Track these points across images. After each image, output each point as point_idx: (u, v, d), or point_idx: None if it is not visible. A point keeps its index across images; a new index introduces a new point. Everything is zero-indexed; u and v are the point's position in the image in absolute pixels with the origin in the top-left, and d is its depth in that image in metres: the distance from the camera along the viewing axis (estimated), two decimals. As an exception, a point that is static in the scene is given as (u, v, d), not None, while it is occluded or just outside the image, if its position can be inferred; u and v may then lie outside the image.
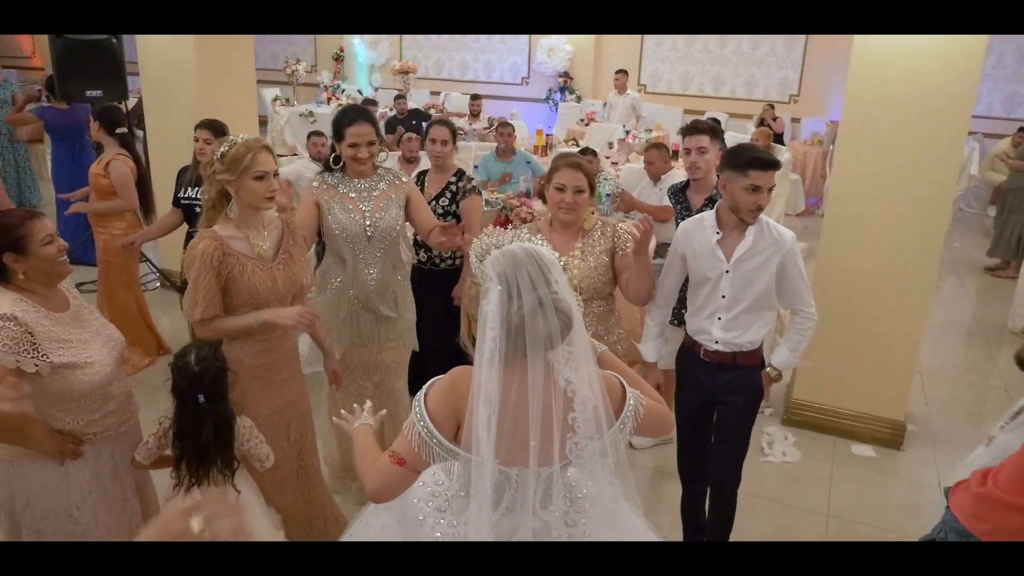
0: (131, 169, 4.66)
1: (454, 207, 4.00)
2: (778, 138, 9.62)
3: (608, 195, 5.21)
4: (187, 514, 1.37)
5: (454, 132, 4.16)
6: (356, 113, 3.13)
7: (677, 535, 3.25)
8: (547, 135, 8.83)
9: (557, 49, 12.48)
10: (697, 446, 3.06)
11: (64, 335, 2.26)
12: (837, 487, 3.89)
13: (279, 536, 2.60)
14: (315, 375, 3.25)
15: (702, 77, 12.03)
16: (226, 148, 2.51)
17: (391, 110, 9.95)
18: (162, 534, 1.38)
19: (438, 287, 4.02)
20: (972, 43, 3.65)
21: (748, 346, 2.83)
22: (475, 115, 10.04)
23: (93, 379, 2.28)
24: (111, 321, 2.57)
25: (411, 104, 10.39)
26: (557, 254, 1.73)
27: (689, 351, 2.94)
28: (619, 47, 12.32)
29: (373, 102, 9.99)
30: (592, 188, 2.88)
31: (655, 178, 5.18)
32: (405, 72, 12.14)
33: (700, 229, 2.84)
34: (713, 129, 3.70)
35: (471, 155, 7.90)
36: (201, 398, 2.32)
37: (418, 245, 4.05)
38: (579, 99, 12.31)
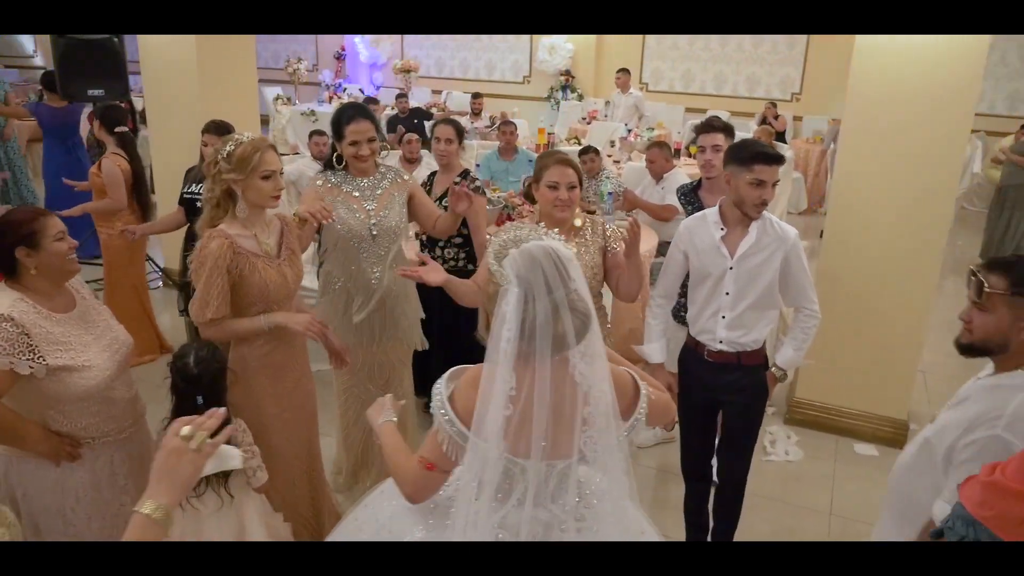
0: (123, 169, 4.65)
1: None
2: (780, 136, 9.61)
3: (610, 194, 5.21)
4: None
5: (459, 131, 4.12)
6: (355, 111, 3.12)
7: (680, 534, 3.25)
8: (549, 133, 8.82)
9: (558, 48, 12.48)
10: (700, 446, 3.06)
11: (63, 337, 2.23)
12: (840, 486, 3.88)
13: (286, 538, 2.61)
14: (320, 374, 3.25)
15: (704, 75, 12.02)
16: (231, 147, 2.49)
17: (393, 109, 9.95)
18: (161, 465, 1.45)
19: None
20: (975, 40, 3.65)
21: (752, 345, 2.82)
22: (476, 114, 10.04)
23: (90, 382, 2.25)
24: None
25: (412, 103, 10.39)
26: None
27: (692, 352, 2.93)
28: (620, 45, 12.30)
29: (375, 100, 10.00)
30: (582, 183, 2.86)
31: (657, 177, 5.18)
32: (407, 71, 12.14)
33: (703, 226, 2.84)
34: (728, 127, 3.69)
35: (473, 154, 7.91)
36: (199, 399, 2.31)
37: (423, 245, 4.04)
38: (580, 97, 12.30)
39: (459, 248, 3.98)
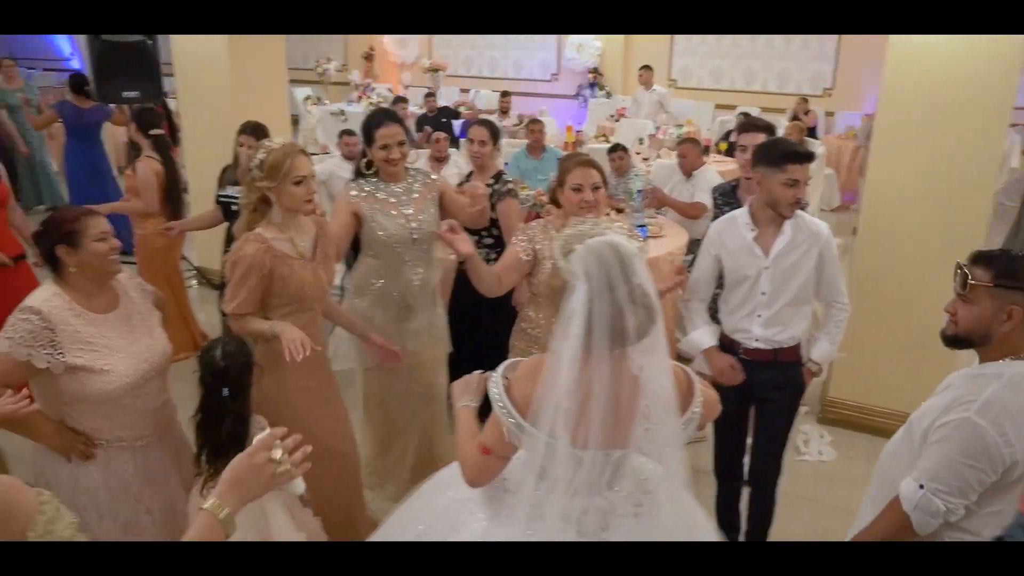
0: (156, 172, 4.70)
1: (491, 211, 4.00)
2: (811, 132, 9.48)
3: (640, 191, 5.19)
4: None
5: (495, 133, 4.12)
6: (384, 116, 3.20)
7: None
8: (577, 131, 8.79)
9: (586, 45, 12.42)
10: (734, 445, 3.04)
11: (91, 337, 2.25)
12: (874, 486, 3.82)
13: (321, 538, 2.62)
14: (344, 373, 3.27)
15: (733, 71, 11.87)
16: (263, 155, 2.54)
17: (421, 108, 9.99)
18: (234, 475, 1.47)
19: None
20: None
21: (788, 342, 2.80)
22: (505, 112, 10.05)
23: (106, 387, 2.25)
24: None
25: (441, 102, 10.42)
26: None
27: (727, 350, 2.90)
28: (649, 43, 12.20)
29: (403, 100, 10.04)
30: (606, 183, 2.85)
31: (688, 173, 5.16)
32: (435, 70, 12.17)
33: (733, 227, 2.81)
34: (770, 126, 3.67)
35: (501, 152, 7.90)
36: (225, 391, 2.34)
37: None
38: (609, 95, 12.23)
39: (490, 249, 3.99)
